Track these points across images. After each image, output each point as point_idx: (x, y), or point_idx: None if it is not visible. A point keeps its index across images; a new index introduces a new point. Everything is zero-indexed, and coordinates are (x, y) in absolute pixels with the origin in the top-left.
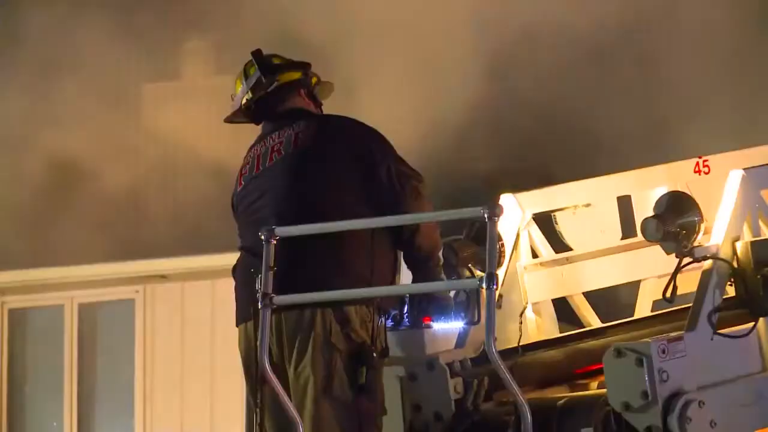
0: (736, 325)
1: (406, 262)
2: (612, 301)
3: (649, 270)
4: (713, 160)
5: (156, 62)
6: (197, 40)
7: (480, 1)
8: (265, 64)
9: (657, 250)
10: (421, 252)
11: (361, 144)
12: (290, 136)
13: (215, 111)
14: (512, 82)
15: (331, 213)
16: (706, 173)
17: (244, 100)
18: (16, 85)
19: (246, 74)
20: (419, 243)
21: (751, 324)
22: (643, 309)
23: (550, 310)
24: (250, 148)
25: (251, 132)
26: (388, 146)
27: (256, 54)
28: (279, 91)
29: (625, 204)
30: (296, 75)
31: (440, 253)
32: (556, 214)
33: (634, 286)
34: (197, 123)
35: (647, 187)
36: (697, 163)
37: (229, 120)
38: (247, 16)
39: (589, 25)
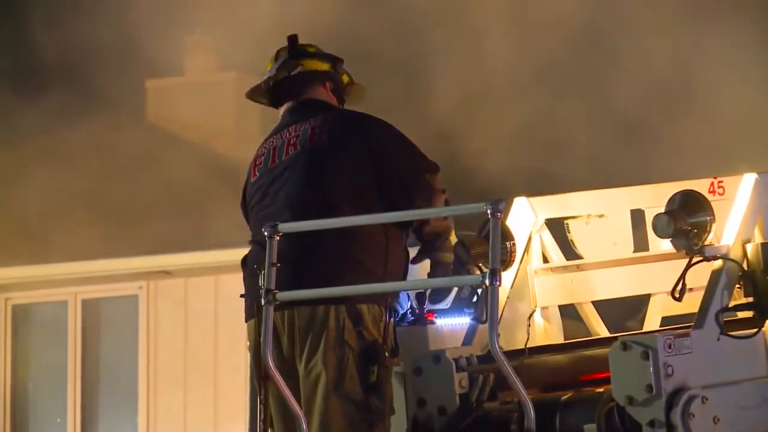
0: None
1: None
2: (621, 313)
3: (660, 285)
4: (728, 181)
5: (161, 59)
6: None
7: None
8: (294, 48)
9: (668, 265)
10: (430, 236)
11: (374, 140)
12: (306, 131)
13: (218, 107)
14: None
15: (345, 210)
16: (721, 194)
17: (266, 80)
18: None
19: (277, 56)
20: (428, 231)
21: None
22: (652, 323)
23: (558, 317)
24: (266, 140)
25: (256, 129)
26: (401, 140)
27: (291, 38)
28: (302, 77)
29: (638, 217)
30: (323, 66)
31: (452, 235)
32: (569, 222)
33: (644, 301)
34: (201, 119)
35: (661, 202)
36: (712, 183)
37: (249, 95)
38: None
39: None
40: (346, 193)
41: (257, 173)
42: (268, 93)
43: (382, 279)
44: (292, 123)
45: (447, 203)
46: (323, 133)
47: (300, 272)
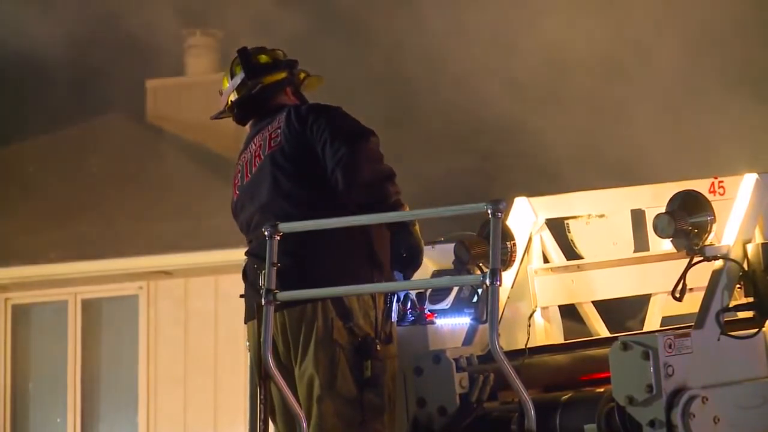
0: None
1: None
2: (621, 313)
3: (660, 285)
4: (729, 181)
5: (160, 59)
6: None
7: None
8: (250, 66)
9: (668, 265)
10: (365, 199)
11: (307, 129)
12: (266, 138)
13: (218, 107)
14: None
15: (319, 206)
16: (721, 194)
17: (228, 102)
18: None
19: (232, 73)
20: (358, 195)
21: (759, 326)
22: (652, 324)
23: (558, 317)
24: (240, 155)
25: None
26: (328, 116)
27: (242, 53)
28: (263, 91)
29: (638, 217)
30: (281, 75)
31: (390, 186)
32: (569, 222)
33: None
34: (201, 119)
35: (661, 202)
36: (713, 183)
37: (216, 117)
38: None
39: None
40: (307, 188)
41: (237, 192)
42: (232, 112)
43: (370, 271)
44: (256, 134)
45: (384, 173)
46: (278, 136)
47: (289, 275)
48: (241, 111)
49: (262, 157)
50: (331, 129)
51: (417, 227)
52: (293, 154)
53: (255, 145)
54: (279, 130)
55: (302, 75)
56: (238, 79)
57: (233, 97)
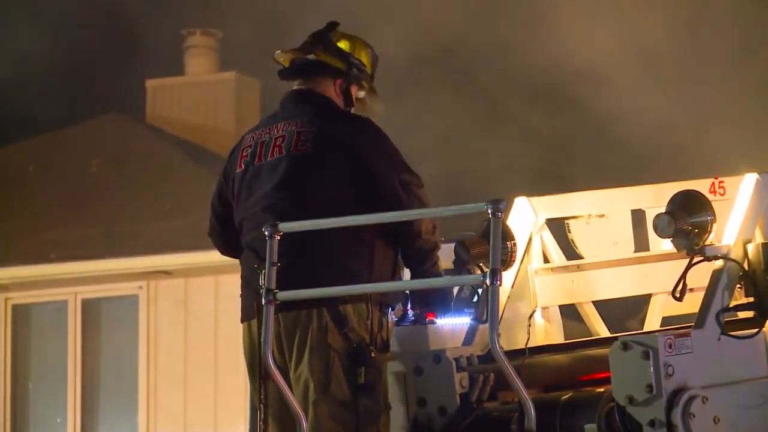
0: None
1: (403, 260)
2: (621, 313)
3: (660, 285)
4: (729, 181)
5: (162, 59)
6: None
7: None
8: (322, 34)
9: (669, 265)
10: (419, 255)
11: (358, 152)
12: (292, 135)
13: (218, 107)
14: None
15: (321, 218)
16: (722, 194)
17: (286, 51)
18: None
19: (313, 35)
20: (419, 246)
21: (759, 326)
22: (652, 324)
23: (558, 317)
24: (256, 129)
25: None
26: (387, 152)
27: (329, 23)
28: (312, 65)
29: (638, 217)
30: (338, 63)
31: (437, 254)
32: (570, 222)
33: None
34: (201, 119)
35: (661, 202)
36: (713, 184)
37: (276, 54)
38: None
39: None
40: (324, 203)
41: (243, 165)
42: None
43: (367, 282)
44: (283, 119)
45: (432, 243)
46: (307, 141)
47: (287, 278)
48: (287, 67)
49: (283, 151)
50: (394, 186)
51: (440, 265)
52: (316, 164)
53: (278, 131)
54: (310, 135)
55: (366, 85)
56: (306, 40)
57: (291, 48)
